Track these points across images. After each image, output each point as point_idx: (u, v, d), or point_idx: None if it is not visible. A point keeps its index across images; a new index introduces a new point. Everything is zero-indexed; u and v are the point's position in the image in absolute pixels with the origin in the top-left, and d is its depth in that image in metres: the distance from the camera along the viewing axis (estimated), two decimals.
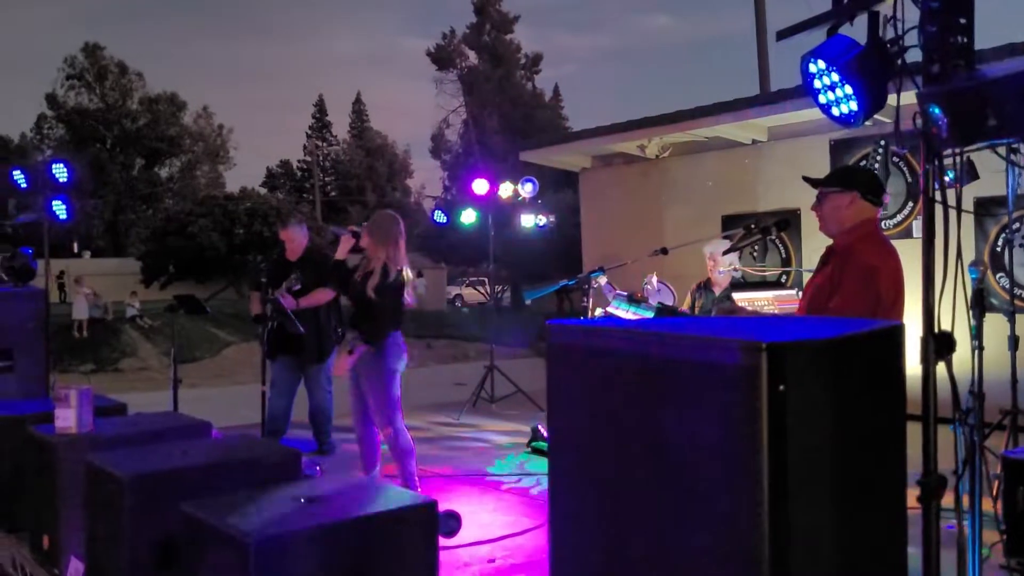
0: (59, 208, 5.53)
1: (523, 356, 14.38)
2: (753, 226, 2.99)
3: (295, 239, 5.77)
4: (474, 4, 38.64)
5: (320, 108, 47.51)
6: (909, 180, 6.80)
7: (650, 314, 3.24)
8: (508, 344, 15.63)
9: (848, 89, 1.79)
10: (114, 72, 40.75)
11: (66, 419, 3.31)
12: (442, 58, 38.93)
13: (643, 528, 1.35)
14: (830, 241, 2.92)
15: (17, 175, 5.82)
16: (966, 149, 1.65)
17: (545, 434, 5.89)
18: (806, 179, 2.95)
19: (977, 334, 2.63)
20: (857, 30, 1.76)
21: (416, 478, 4.32)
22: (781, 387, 1.16)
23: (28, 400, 4.54)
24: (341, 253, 4.45)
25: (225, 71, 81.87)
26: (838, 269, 2.74)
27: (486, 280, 27.66)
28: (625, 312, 3.28)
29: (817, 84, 1.91)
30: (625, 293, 3.38)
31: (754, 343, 1.15)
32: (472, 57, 39.13)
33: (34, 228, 5.99)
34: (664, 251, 3.45)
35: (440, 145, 39.50)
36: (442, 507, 4.05)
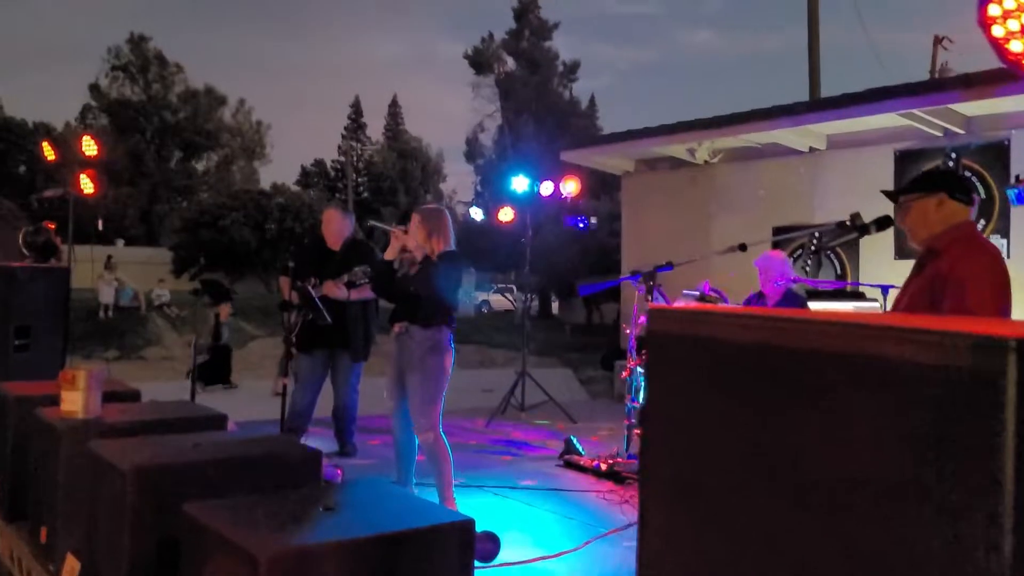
0: (86, 183, 5.31)
1: (551, 366, 14.14)
2: (849, 223, 2.65)
3: (334, 221, 5.51)
4: (514, 10, 38.52)
5: (356, 109, 47.70)
6: (982, 196, 6.34)
7: None
8: (536, 353, 15.32)
9: None
10: (155, 64, 41.24)
11: (73, 402, 3.05)
12: (480, 62, 38.83)
13: (755, 563, 1.02)
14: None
15: (45, 147, 5.62)
16: None
17: (579, 447, 5.55)
18: (885, 192, 2.70)
19: None
20: None
21: (452, 490, 4.01)
22: None
23: (42, 382, 4.31)
24: (392, 253, 4.06)
25: (265, 69, 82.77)
26: (944, 267, 2.44)
27: (514, 288, 27.41)
28: None
29: (993, 9, 1.56)
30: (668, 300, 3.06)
31: (994, 338, 0.79)
32: (510, 63, 38.98)
33: (59, 208, 5.81)
34: (743, 247, 3.11)
35: (475, 149, 39.38)
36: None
